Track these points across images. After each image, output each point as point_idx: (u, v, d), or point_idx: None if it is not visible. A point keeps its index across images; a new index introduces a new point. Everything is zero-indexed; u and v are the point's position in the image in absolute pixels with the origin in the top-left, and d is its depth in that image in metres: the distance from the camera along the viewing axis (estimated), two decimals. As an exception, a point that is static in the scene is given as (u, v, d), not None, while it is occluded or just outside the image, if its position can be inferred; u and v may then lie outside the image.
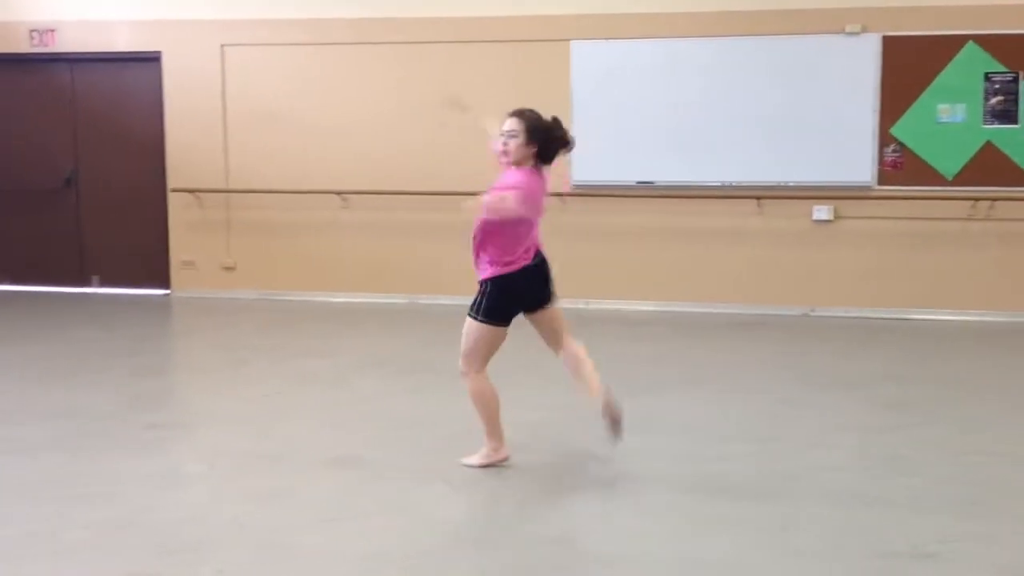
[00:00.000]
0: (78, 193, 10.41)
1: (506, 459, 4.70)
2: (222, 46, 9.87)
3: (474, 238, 4.59)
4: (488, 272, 4.58)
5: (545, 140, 4.58)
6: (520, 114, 4.60)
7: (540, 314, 4.70)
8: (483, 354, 4.62)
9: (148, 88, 10.11)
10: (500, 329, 4.59)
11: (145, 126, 10.15)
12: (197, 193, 10.02)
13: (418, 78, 9.62)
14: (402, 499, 4.32)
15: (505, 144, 4.56)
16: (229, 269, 10.13)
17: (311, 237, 9.91)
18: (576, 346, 4.74)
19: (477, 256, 4.62)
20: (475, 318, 4.59)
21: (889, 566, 3.62)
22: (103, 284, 10.40)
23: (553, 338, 4.76)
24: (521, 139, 4.54)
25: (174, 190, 10.08)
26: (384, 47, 9.62)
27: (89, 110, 10.31)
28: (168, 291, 10.25)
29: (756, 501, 4.28)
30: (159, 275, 10.27)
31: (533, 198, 4.54)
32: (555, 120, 4.63)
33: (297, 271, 9.96)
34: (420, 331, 8.36)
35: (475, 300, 4.61)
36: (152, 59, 10.02)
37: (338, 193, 9.71)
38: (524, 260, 4.57)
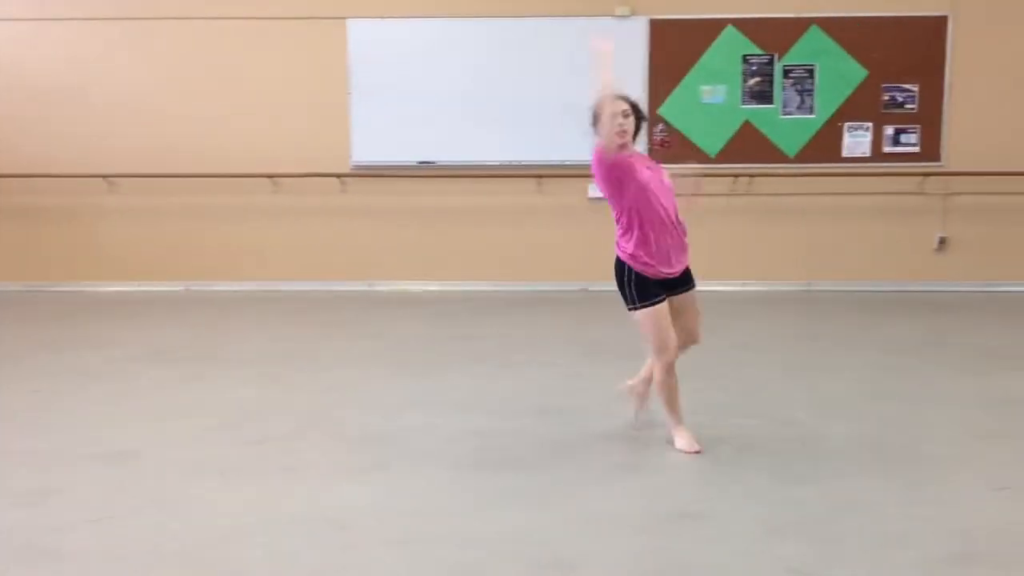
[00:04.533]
0: None
1: None
2: (-27, 21, 9.25)
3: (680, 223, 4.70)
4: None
5: (639, 121, 4.61)
6: (622, 95, 4.53)
7: None
8: None
9: None
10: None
11: None
12: (-53, 178, 9.36)
13: (189, 56, 9.29)
14: (178, 493, 4.19)
15: (622, 125, 4.48)
16: (-13, 260, 9.51)
17: (79, 224, 9.43)
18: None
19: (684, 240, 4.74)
20: None
21: (660, 526, 3.81)
22: None
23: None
24: (632, 119, 4.53)
25: (-79, 175, 9.37)
26: (153, 23, 9.24)
27: None
28: (-83, 285, 9.54)
29: (539, 472, 4.39)
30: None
31: None
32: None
33: (65, 260, 9.46)
34: (196, 319, 8.11)
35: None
36: None
37: (104, 177, 9.27)
38: None
